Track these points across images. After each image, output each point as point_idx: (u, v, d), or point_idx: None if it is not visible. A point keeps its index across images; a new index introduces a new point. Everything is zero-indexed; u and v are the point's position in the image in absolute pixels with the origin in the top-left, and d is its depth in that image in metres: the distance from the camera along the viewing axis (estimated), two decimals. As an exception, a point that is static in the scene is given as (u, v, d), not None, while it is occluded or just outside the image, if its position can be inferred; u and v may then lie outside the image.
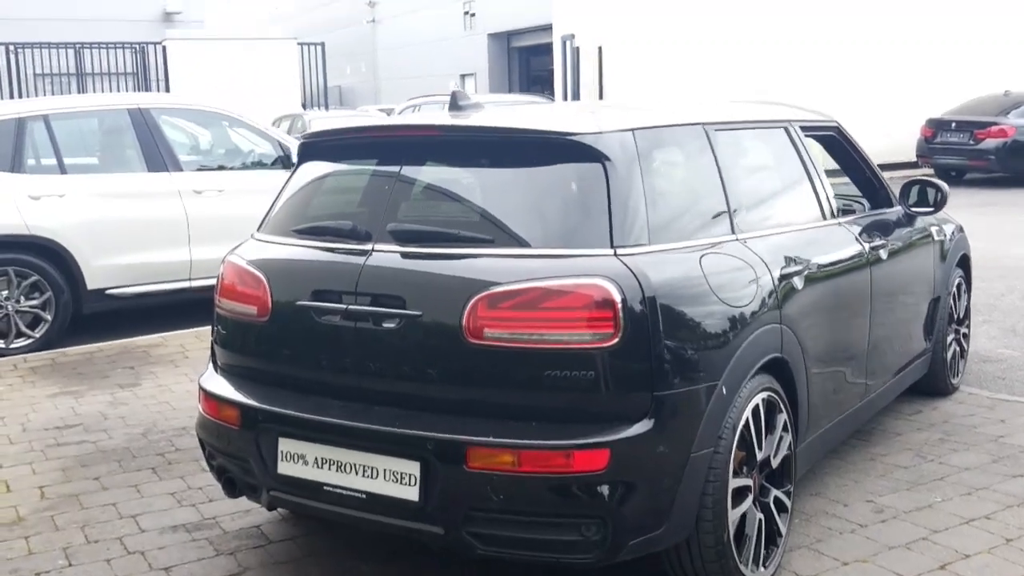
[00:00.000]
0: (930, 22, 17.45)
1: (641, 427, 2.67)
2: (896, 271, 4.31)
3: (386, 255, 2.92)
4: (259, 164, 7.86)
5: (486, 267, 2.77)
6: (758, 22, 15.47)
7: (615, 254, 2.73)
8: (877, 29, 16.89)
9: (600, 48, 16.91)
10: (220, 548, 3.56)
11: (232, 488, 3.26)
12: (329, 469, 2.90)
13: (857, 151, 4.51)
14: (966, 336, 5.36)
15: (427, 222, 3.02)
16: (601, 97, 16.39)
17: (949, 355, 5.00)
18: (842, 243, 3.90)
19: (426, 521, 2.76)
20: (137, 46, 17.90)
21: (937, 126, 15.88)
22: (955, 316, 5.10)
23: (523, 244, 2.82)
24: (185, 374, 5.97)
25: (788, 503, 3.30)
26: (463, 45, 25.90)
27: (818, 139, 4.44)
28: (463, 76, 26.16)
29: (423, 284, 2.83)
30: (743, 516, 3.03)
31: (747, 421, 3.00)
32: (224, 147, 8.14)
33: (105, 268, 6.98)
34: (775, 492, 3.22)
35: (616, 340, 2.64)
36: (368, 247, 2.97)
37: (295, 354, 3.06)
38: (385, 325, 2.84)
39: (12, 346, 6.68)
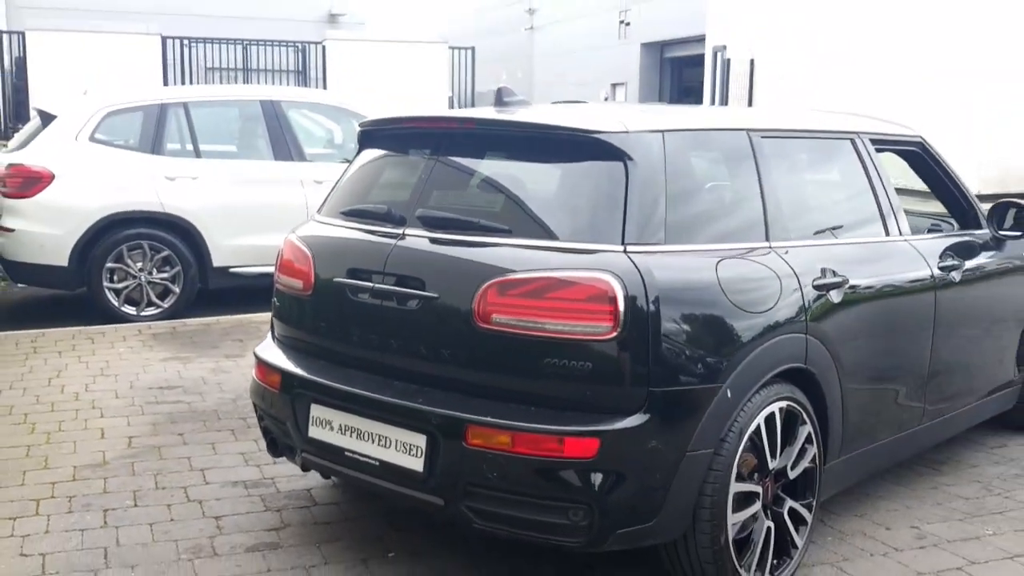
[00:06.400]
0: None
1: (634, 420, 2.73)
2: (972, 295, 4.15)
3: (415, 239, 3.11)
4: None
5: (501, 256, 2.90)
6: (915, 51, 14.83)
7: (624, 251, 2.80)
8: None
9: (752, 61, 16.61)
10: (269, 504, 3.83)
11: (275, 447, 3.52)
12: (351, 436, 3.10)
13: (943, 168, 4.36)
14: None
15: (453, 210, 3.17)
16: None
17: None
18: (903, 261, 3.80)
19: (429, 492, 2.92)
20: (299, 44, 18.85)
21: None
22: None
23: (540, 236, 2.93)
24: (285, 350, 6.33)
25: (807, 516, 3.27)
26: (616, 54, 25.90)
27: (900, 154, 4.33)
28: (614, 85, 26.15)
29: (442, 268, 3.00)
30: (749, 521, 3.04)
31: (758, 428, 3.00)
32: (349, 140, 8.52)
33: (230, 248, 7.51)
34: (791, 503, 3.20)
35: (615, 334, 2.71)
36: (400, 231, 3.15)
37: (331, 327, 3.28)
38: (407, 305, 3.02)
39: (143, 314, 7.29)
